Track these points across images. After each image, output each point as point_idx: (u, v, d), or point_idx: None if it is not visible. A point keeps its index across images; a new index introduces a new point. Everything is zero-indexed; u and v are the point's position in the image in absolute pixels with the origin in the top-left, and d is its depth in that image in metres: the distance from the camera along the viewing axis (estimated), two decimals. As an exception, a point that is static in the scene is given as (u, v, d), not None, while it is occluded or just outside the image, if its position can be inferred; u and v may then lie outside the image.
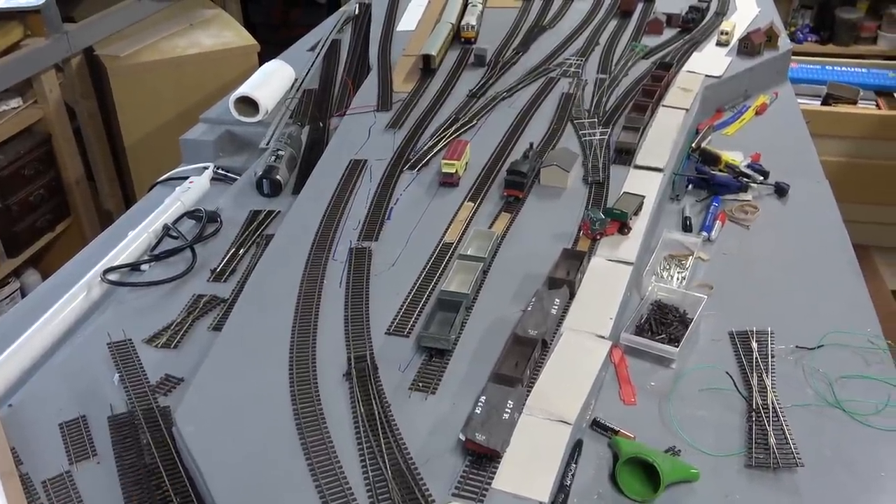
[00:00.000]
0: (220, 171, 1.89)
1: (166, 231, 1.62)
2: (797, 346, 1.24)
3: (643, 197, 1.45)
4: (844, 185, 1.70)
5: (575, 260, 1.30)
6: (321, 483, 0.96)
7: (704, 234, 1.50)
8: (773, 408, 1.12)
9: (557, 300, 1.19)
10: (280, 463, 1.00)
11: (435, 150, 1.70)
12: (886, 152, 2.97)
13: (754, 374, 1.19)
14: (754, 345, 1.24)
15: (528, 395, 1.06)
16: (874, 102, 3.06)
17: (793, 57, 2.26)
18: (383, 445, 1.00)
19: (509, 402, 1.01)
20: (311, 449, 1.00)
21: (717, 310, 1.31)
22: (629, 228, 1.40)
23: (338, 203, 1.55)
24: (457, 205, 1.52)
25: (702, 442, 1.09)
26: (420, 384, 1.11)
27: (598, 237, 1.38)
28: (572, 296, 1.24)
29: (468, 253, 1.32)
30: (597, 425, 1.10)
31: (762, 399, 1.14)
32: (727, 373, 1.16)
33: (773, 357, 1.22)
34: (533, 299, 1.20)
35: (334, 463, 0.98)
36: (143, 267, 1.53)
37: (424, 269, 1.34)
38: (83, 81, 2.94)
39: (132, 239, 1.59)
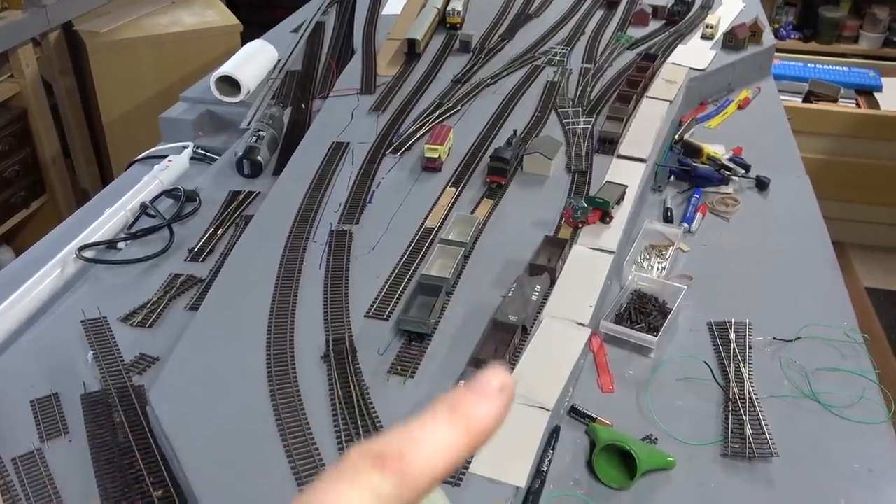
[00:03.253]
0: (199, 150, 1.86)
1: (144, 209, 1.59)
2: (775, 338, 1.24)
3: (625, 186, 1.45)
4: (823, 182, 1.72)
5: (556, 247, 1.30)
6: (297, 464, 0.95)
7: (685, 225, 1.51)
8: (750, 398, 1.13)
9: (538, 286, 1.18)
10: (255, 443, 0.99)
11: (418, 135, 1.69)
12: (865, 151, 3.00)
13: (732, 364, 1.19)
14: (732, 336, 1.24)
15: (506, 381, 1.05)
16: (854, 101, 3.09)
17: (776, 54, 2.27)
18: (360, 428, 0.99)
19: (488, 386, 1.01)
20: (287, 430, 1.00)
21: (696, 300, 1.32)
22: (611, 217, 1.40)
23: (319, 185, 1.53)
24: (439, 190, 1.51)
25: (678, 431, 1.09)
26: (399, 368, 1.10)
27: (580, 225, 1.38)
28: (553, 283, 1.24)
29: (449, 238, 1.32)
30: (574, 412, 1.10)
31: (739, 389, 1.15)
32: (705, 362, 1.16)
33: (750, 348, 1.22)
34: (513, 285, 1.20)
35: (310, 445, 0.98)
36: (120, 245, 1.50)
37: (405, 253, 1.33)
38: (61, 57, 2.89)
39: (108, 217, 1.56)
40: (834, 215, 1.54)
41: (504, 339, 1.10)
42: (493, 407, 0.33)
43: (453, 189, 1.50)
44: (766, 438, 1.07)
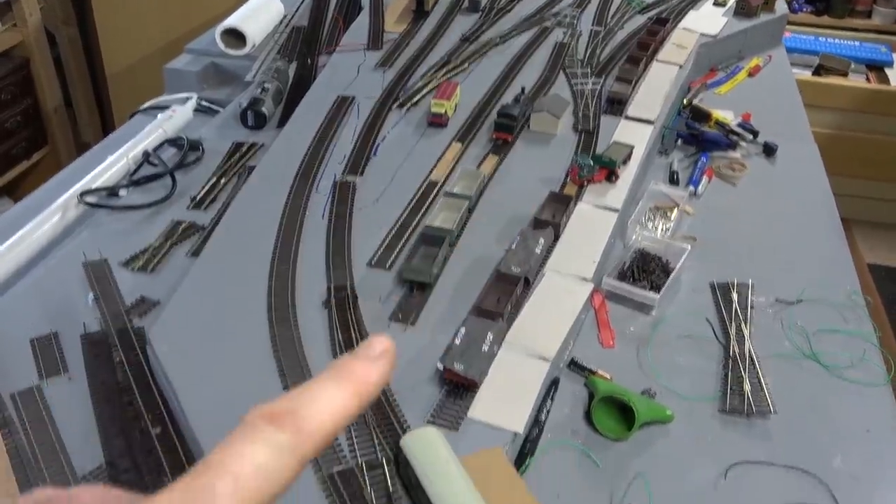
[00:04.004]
0: (203, 102, 1.85)
1: (146, 157, 1.58)
2: (777, 300, 1.24)
3: (632, 146, 1.44)
4: (830, 156, 1.70)
5: (561, 203, 1.29)
6: (296, 405, 0.95)
7: (691, 187, 1.50)
8: (750, 357, 1.13)
9: (542, 240, 1.18)
10: (255, 384, 0.99)
11: (425, 91, 1.67)
12: (873, 127, 2.98)
13: (733, 323, 1.19)
14: (734, 296, 1.24)
15: (507, 331, 1.05)
16: (865, 76, 3.06)
17: (787, 26, 2.25)
18: (360, 372, 0.99)
19: (489, 334, 1.01)
20: (287, 372, 0.99)
21: (699, 261, 1.31)
22: (617, 176, 1.39)
23: (323, 137, 1.52)
24: (444, 145, 1.50)
25: (678, 386, 1.09)
26: (400, 315, 1.10)
27: (586, 183, 1.37)
28: (557, 238, 1.23)
29: (454, 191, 1.31)
30: (574, 365, 1.10)
31: (739, 348, 1.14)
32: (707, 319, 1.16)
33: (752, 309, 1.22)
34: (517, 238, 1.19)
35: (310, 387, 0.97)
36: (121, 192, 1.50)
37: (409, 205, 1.33)
38: (65, 6, 2.86)
39: (111, 164, 1.55)
40: (840, 191, 1.53)
41: (506, 291, 1.10)
42: (376, 368, 0.35)
43: (459, 144, 1.49)
44: (765, 396, 1.07)
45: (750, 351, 1.14)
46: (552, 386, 1.06)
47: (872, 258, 3.18)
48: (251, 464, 0.31)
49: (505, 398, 0.97)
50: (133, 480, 0.94)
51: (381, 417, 0.94)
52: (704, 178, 1.53)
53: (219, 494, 0.30)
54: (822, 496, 0.96)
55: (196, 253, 1.29)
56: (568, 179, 1.38)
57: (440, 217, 1.24)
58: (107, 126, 3.10)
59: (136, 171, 1.55)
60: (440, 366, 0.97)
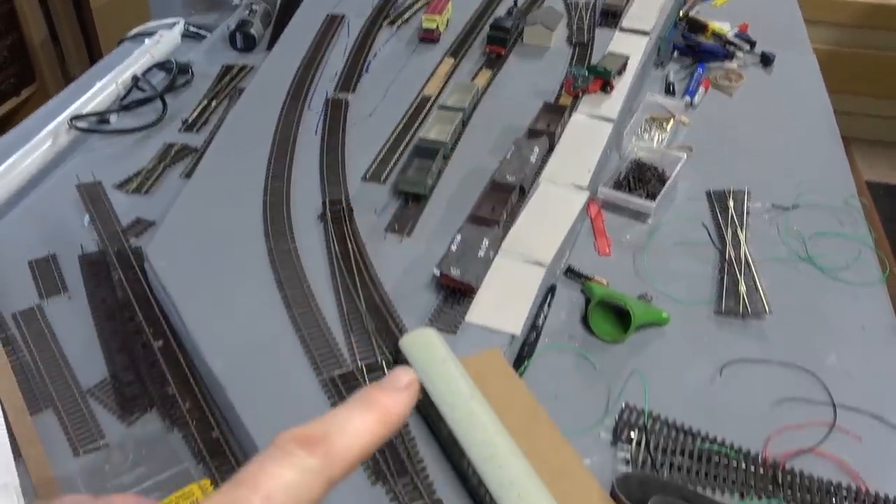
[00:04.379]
0: (190, 27, 1.82)
1: (135, 82, 1.56)
2: (773, 205, 1.24)
3: (627, 56, 1.42)
4: (830, 73, 1.68)
5: (556, 114, 1.28)
6: (294, 313, 0.96)
7: (687, 98, 1.48)
8: (746, 260, 1.13)
9: (536, 149, 1.17)
10: (253, 294, 1.00)
11: (416, 7, 1.64)
12: (875, 42, 2.93)
13: (729, 229, 1.19)
14: (731, 203, 1.24)
15: (503, 238, 1.06)
16: (865, -11, 3.00)
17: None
18: (357, 281, 1.00)
19: (485, 241, 1.01)
20: (284, 283, 1.00)
21: (695, 171, 1.31)
22: (612, 87, 1.37)
23: (313, 56, 1.50)
24: (437, 60, 1.48)
25: (673, 291, 1.10)
26: (396, 226, 1.10)
27: (581, 94, 1.35)
28: (551, 148, 1.23)
29: (448, 104, 1.29)
30: (571, 272, 1.11)
31: (735, 252, 1.15)
32: (703, 224, 1.16)
33: (748, 214, 1.22)
34: (512, 148, 1.19)
35: (308, 296, 0.98)
36: (112, 118, 1.48)
37: (402, 120, 1.31)
38: (46, -63, 2.79)
39: (100, 89, 1.53)
40: (839, 108, 1.51)
41: (501, 199, 1.09)
42: (401, 399, 0.37)
43: (451, 59, 1.47)
44: (761, 297, 1.07)
45: (746, 255, 1.14)
46: (549, 293, 1.07)
47: (871, 176, 3.17)
48: (282, 484, 0.33)
49: (502, 302, 0.97)
50: (137, 392, 0.95)
51: (380, 323, 0.95)
52: (701, 89, 1.51)
53: None
54: (816, 392, 0.97)
55: (189, 174, 1.28)
56: (562, 90, 1.37)
57: (434, 130, 1.23)
58: (94, 60, 3.05)
59: (125, 95, 1.54)
60: (437, 272, 0.98)
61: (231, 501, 0.32)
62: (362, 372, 0.88)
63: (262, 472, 0.33)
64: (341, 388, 0.87)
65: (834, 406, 0.94)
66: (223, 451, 0.88)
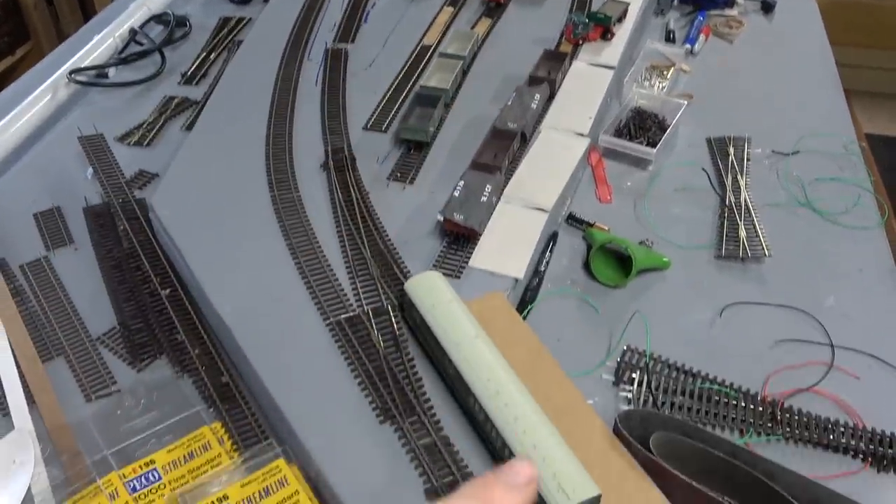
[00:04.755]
0: (187, -21, 1.80)
1: (133, 35, 1.55)
2: (773, 151, 1.24)
3: (628, 3, 1.42)
4: (832, 25, 1.67)
5: (556, 61, 1.28)
6: (300, 260, 0.97)
7: (688, 45, 1.48)
8: (746, 206, 1.14)
9: (537, 96, 1.17)
10: (258, 242, 1.01)
11: (414, -43, 1.62)
12: (875, -9, 2.91)
13: (729, 175, 1.20)
14: (731, 149, 1.24)
15: (505, 184, 1.06)
16: (867, -63, 2.96)
17: None
18: (362, 228, 1.01)
19: (487, 186, 1.02)
20: (289, 231, 1.01)
21: (696, 118, 1.31)
22: (612, 34, 1.37)
23: (311, 7, 1.49)
24: (436, 10, 1.47)
25: (674, 236, 1.11)
26: (398, 174, 1.10)
27: (581, 42, 1.35)
28: (552, 96, 1.23)
29: (448, 52, 1.29)
30: (572, 219, 1.12)
31: (735, 197, 1.16)
32: (703, 169, 1.17)
33: (748, 161, 1.22)
34: (513, 95, 1.19)
35: (314, 243, 0.99)
36: (110, 72, 1.48)
37: (402, 69, 1.31)
38: None
39: (98, 43, 1.52)
40: (840, 60, 1.51)
41: (503, 146, 1.10)
42: (518, 498, 0.35)
43: (451, 8, 1.46)
44: (760, 241, 1.09)
45: (746, 200, 1.15)
46: (551, 239, 1.08)
47: (871, 128, 3.16)
48: None
49: (505, 247, 0.99)
50: (147, 340, 0.97)
51: (385, 269, 0.96)
52: (701, 37, 1.51)
53: None
54: (814, 333, 0.98)
55: (190, 127, 1.29)
56: (563, 38, 1.36)
57: (435, 78, 1.23)
58: (89, 18, 3.02)
59: (123, 49, 1.53)
60: (440, 217, 0.99)
61: None
62: (368, 316, 0.90)
63: None
64: (348, 331, 0.88)
65: (832, 347, 0.96)
66: (233, 396, 0.90)
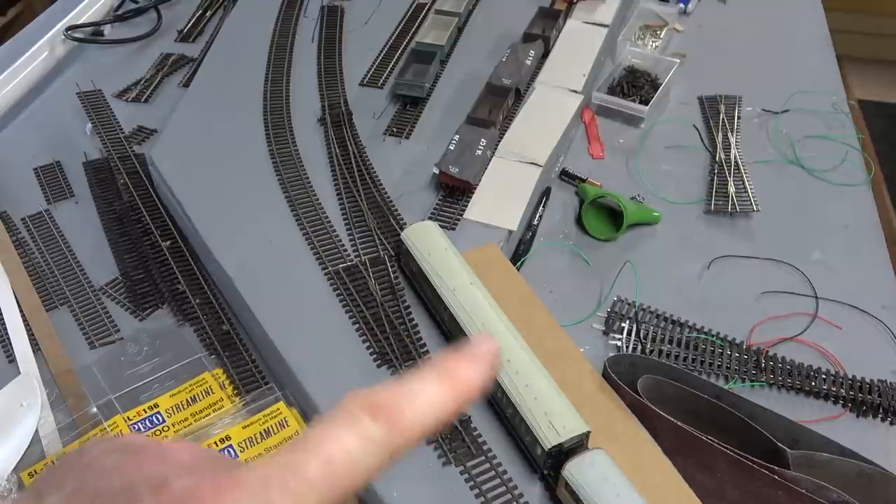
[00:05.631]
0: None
1: (128, -8, 1.55)
2: (763, 110, 1.26)
3: (623, -37, 1.42)
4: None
5: (550, 19, 1.29)
6: (298, 212, 0.99)
7: (681, 5, 1.48)
8: (736, 162, 1.16)
9: (532, 52, 1.18)
10: (257, 194, 1.03)
11: (409, -85, 1.62)
12: (870, -46, 2.90)
13: (720, 133, 1.22)
14: (722, 108, 1.26)
15: (500, 139, 1.08)
16: None
17: None
18: (359, 181, 1.03)
19: (482, 140, 1.03)
20: (287, 183, 1.03)
21: (688, 77, 1.32)
22: (607, -7, 1.37)
23: (308, -36, 1.49)
24: (432, -32, 1.47)
25: (665, 192, 1.13)
26: (394, 129, 1.12)
27: (575, 0, 1.36)
28: (547, 53, 1.24)
29: (444, 8, 1.30)
30: (565, 175, 1.14)
31: (725, 154, 1.18)
32: (694, 126, 1.19)
33: (739, 119, 1.24)
34: (508, 51, 1.20)
35: (311, 196, 1.01)
36: (106, 29, 1.48)
37: (398, 26, 1.32)
38: None
39: (92, 1, 1.52)
40: (833, 26, 1.52)
41: (497, 102, 1.11)
42: (478, 371, 0.35)
43: (446, -33, 1.46)
44: (749, 196, 1.11)
45: (735, 157, 1.17)
46: (544, 194, 1.10)
47: (863, 94, 3.18)
48: (343, 450, 0.32)
49: (499, 200, 1.01)
50: (149, 290, 0.99)
51: (382, 221, 0.98)
52: (695, -4, 1.52)
53: (310, 472, 0.31)
54: (800, 285, 1.01)
55: (188, 83, 1.29)
56: (558, -3, 1.37)
57: (430, 34, 1.24)
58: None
59: (119, 6, 1.53)
60: (436, 170, 1.01)
61: (288, 463, 0.31)
62: (365, 265, 0.92)
63: (325, 436, 0.32)
64: (346, 280, 0.90)
65: (816, 298, 0.99)
66: (234, 344, 0.92)
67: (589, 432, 0.71)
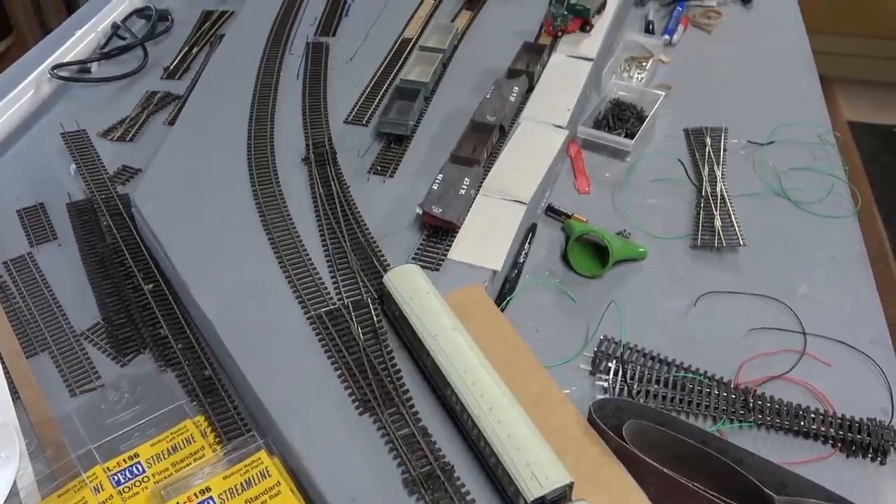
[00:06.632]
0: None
1: (115, 30, 1.55)
2: (749, 142, 1.26)
3: (607, -5, 1.43)
4: (810, 13, 1.68)
5: (535, 53, 1.29)
6: (281, 254, 0.98)
7: (666, 36, 1.49)
8: (722, 196, 1.16)
9: (516, 88, 1.18)
10: (240, 236, 1.02)
11: (395, -51, 1.63)
12: (856, -22, 2.92)
13: (706, 166, 1.21)
14: (708, 140, 1.26)
15: (484, 177, 1.08)
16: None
17: None
18: (342, 222, 1.02)
19: (466, 179, 1.03)
20: (270, 224, 1.02)
21: (674, 109, 1.32)
22: (591, 26, 1.38)
23: (293, 0, 1.50)
24: (416, 3, 1.48)
25: (651, 227, 1.12)
26: (378, 167, 1.12)
27: (560, 34, 1.36)
28: (531, 88, 1.24)
29: (428, 45, 1.30)
30: (551, 211, 1.13)
31: (711, 188, 1.17)
32: (679, 160, 1.19)
33: (725, 151, 1.24)
34: (492, 88, 1.20)
35: (294, 237, 1.01)
36: (93, 67, 1.48)
37: (383, 62, 1.32)
38: None
39: (80, 37, 1.53)
40: (822, 48, 1.52)
41: (482, 140, 1.11)
42: None
43: (431, 1, 1.47)
44: (735, 230, 1.10)
45: (722, 190, 1.17)
46: (529, 231, 1.09)
47: (854, 116, 3.19)
48: None
49: (483, 239, 1.00)
50: (130, 334, 0.98)
51: (365, 262, 0.97)
52: (680, 27, 1.52)
53: None
54: (788, 321, 1.00)
55: (173, 121, 1.29)
56: (542, 30, 1.37)
57: (415, 71, 1.24)
58: (72, 10, 3.00)
59: (105, 44, 1.53)
60: (419, 210, 1.00)
61: None
62: (348, 309, 0.91)
63: None
64: (328, 324, 0.89)
65: (804, 334, 0.98)
66: (216, 389, 0.91)
67: (572, 483, 0.70)
